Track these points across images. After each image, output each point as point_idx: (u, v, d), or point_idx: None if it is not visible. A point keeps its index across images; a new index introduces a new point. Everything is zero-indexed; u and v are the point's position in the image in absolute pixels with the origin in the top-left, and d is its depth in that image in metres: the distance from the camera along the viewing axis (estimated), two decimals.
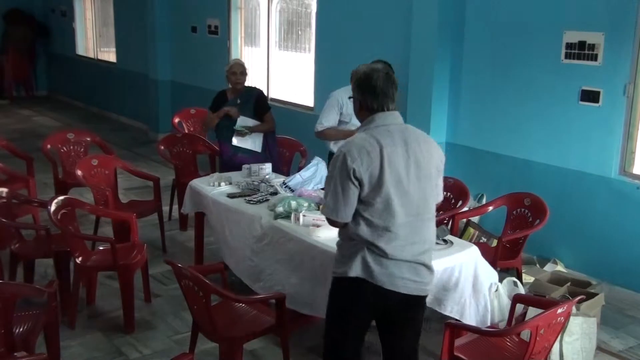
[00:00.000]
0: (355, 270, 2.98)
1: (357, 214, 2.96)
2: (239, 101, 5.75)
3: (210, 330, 3.65)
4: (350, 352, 3.17)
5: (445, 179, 5.42)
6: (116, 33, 11.62)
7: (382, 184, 2.90)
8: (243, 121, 5.67)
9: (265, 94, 8.25)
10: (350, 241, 3.03)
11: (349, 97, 3.26)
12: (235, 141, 5.71)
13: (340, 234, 3.12)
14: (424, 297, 3.16)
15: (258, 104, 5.79)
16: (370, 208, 2.93)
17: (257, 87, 6.29)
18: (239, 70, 5.75)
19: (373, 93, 3.01)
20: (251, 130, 5.69)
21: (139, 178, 6.45)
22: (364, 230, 2.96)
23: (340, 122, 5.27)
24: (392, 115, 3.05)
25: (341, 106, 5.21)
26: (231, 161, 5.73)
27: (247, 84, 5.93)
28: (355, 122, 5.14)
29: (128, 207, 5.88)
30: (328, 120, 5.25)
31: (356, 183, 2.90)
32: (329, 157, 5.20)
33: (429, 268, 3.09)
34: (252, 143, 5.74)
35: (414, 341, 3.25)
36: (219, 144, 5.94)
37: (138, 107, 11.02)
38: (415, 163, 2.98)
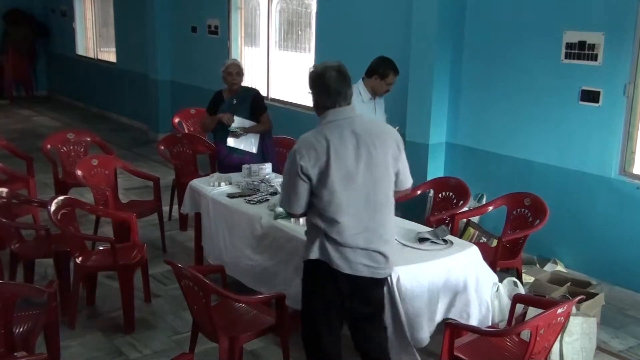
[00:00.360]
0: (315, 253, 3.21)
1: (312, 206, 3.19)
2: (235, 101, 5.73)
3: (210, 330, 3.65)
4: (326, 339, 3.31)
5: (447, 179, 5.47)
6: (116, 33, 11.62)
7: (327, 177, 3.09)
8: (239, 122, 5.66)
9: (265, 94, 8.27)
10: (312, 228, 3.26)
11: (309, 92, 3.37)
12: (230, 142, 5.68)
13: (306, 222, 3.35)
14: (383, 279, 3.34)
15: (254, 104, 5.77)
16: (319, 200, 3.14)
17: (254, 87, 6.28)
18: (235, 70, 5.73)
19: (326, 92, 3.19)
20: (247, 131, 5.67)
21: (139, 178, 6.44)
22: (318, 220, 3.19)
23: None
24: (343, 110, 3.20)
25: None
26: (226, 161, 5.71)
27: (245, 84, 5.92)
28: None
29: (128, 207, 5.88)
30: None
31: (305, 179, 3.11)
32: None
33: (384, 255, 3.24)
34: (246, 144, 5.71)
35: (377, 321, 3.41)
36: (216, 144, 5.95)
37: (138, 107, 11.02)
38: (367, 154, 3.13)
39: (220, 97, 5.82)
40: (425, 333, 3.78)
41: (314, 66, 3.33)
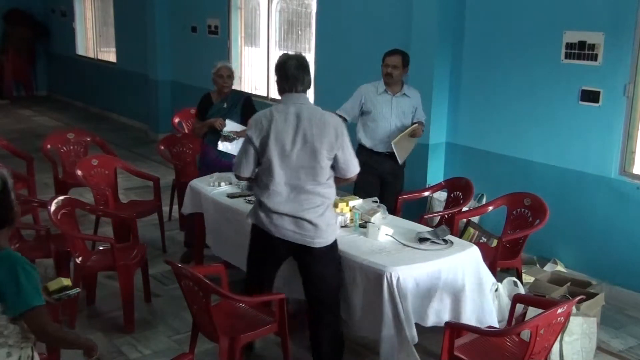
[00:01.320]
0: (251, 217, 3.82)
1: (257, 176, 3.72)
2: (225, 105, 5.68)
3: (210, 330, 3.65)
4: (266, 287, 3.91)
5: (459, 179, 5.47)
6: (116, 33, 11.62)
7: (266, 148, 3.60)
8: (231, 126, 5.60)
9: (265, 94, 8.28)
10: (255, 197, 3.82)
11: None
12: (220, 146, 5.61)
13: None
14: (316, 249, 3.69)
15: (245, 108, 5.69)
16: (260, 168, 3.68)
17: (244, 91, 6.20)
18: (226, 73, 5.65)
19: (285, 78, 3.68)
20: (238, 135, 5.62)
21: (139, 178, 6.44)
22: (256, 188, 3.75)
23: (363, 112, 5.35)
24: (297, 96, 3.68)
25: (362, 97, 5.31)
26: (214, 164, 5.63)
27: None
28: (376, 115, 5.25)
29: (128, 207, 5.88)
30: (345, 108, 5.38)
31: (252, 146, 3.65)
32: (360, 150, 5.32)
33: (312, 224, 3.65)
34: (237, 149, 5.65)
35: (324, 292, 3.79)
36: (204, 145, 5.82)
37: (138, 107, 11.01)
38: (303, 137, 3.59)
39: (209, 100, 5.74)
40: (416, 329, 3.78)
41: (280, 56, 3.79)
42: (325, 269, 3.77)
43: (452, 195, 5.48)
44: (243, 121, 5.67)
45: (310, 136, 3.58)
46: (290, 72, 3.65)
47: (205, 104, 5.75)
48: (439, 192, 5.74)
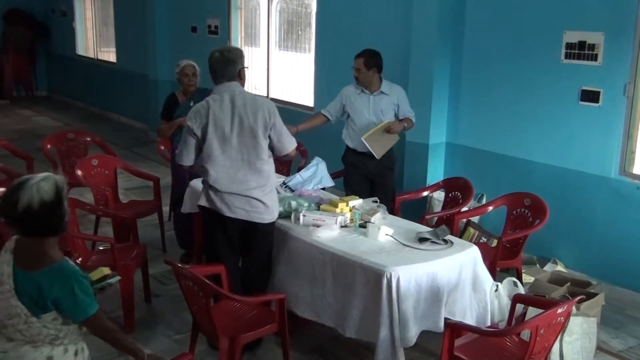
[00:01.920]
0: (202, 200, 4.04)
1: (201, 160, 3.93)
2: (192, 104, 5.62)
3: (210, 330, 3.65)
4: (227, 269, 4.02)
5: (456, 179, 5.49)
6: (116, 33, 11.62)
7: (207, 136, 3.86)
8: None
9: (265, 94, 8.27)
10: (203, 183, 4.04)
11: None
12: None
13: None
14: (262, 225, 4.00)
15: None
16: (202, 154, 3.91)
17: (209, 88, 6.14)
18: (191, 71, 5.61)
19: (211, 70, 4.03)
20: None
21: (139, 178, 6.44)
22: (201, 171, 3.99)
23: (344, 112, 5.43)
24: (227, 85, 3.96)
25: (343, 98, 5.40)
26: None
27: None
28: (355, 115, 5.32)
29: (128, 207, 5.89)
30: (328, 108, 5.50)
31: (193, 136, 3.90)
32: (345, 150, 5.50)
33: (262, 202, 3.94)
34: None
35: (260, 266, 4.14)
36: (174, 148, 5.54)
37: (138, 107, 11.01)
38: (239, 121, 3.86)
39: (175, 100, 5.67)
40: (415, 332, 3.76)
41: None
42: (265, 245, 4.11)
43: (450, 195, 5.48)
44: None
45: (247, 119, 3.85)
46: (214, 66, 3.98)
47: (172, 104, 5.67)
48: (440, 192, 5.74)
